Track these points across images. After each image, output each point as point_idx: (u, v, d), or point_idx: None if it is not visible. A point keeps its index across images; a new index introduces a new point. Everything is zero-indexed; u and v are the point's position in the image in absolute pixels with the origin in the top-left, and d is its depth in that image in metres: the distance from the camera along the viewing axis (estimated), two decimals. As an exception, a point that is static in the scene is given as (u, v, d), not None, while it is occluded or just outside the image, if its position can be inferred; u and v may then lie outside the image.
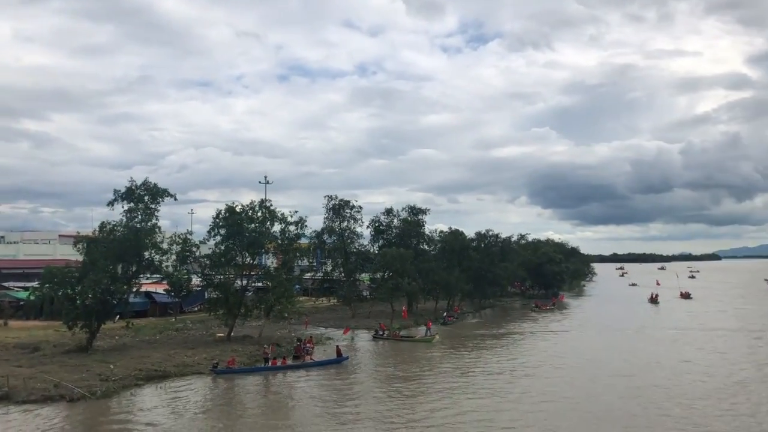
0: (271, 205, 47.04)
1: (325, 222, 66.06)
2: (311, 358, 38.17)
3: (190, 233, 47.97)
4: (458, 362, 39.06)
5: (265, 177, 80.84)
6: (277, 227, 47.14)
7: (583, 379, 33.26)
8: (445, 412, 26.23)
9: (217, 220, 45.61)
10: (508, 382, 32.74)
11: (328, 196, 66.12)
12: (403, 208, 71.21)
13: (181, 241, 44.39)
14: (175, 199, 42.32)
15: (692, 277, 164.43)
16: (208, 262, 46.76)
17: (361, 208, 66.69)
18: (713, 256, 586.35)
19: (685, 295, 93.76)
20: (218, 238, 45.99)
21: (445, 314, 61.90)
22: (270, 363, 36.49)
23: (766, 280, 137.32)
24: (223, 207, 46.13)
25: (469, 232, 78.44)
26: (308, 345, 39.73)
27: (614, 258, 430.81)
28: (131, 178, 40.70)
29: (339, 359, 38.19)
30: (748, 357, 40.01)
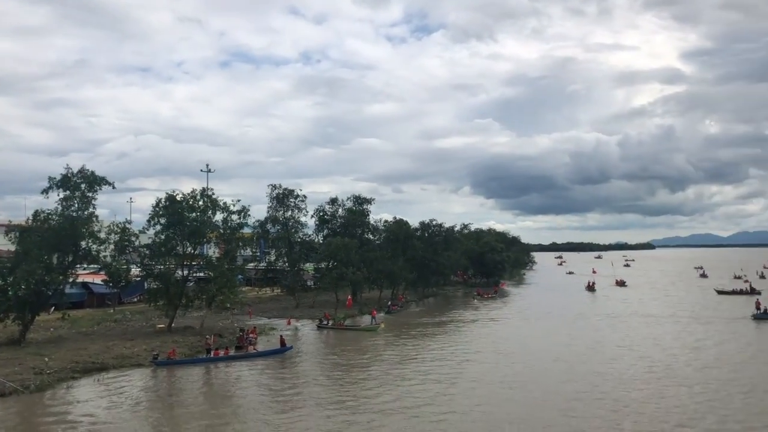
0: (213, 193, 46.38)
1: (268, 211, 65.70)
2: (254, 349, 37.97)
3: (129, 222, 46.70)
4: (402, 350, 39.61)
5: (207, 165, 79.18)
6: (219, 216, 46.52)
7: (523, 365, 34.22)
8: (386, 397, 26.67)
9: (157, 209, 44.66)
10: (450, 368, 33.37)
11: (271, 185, 65.79)
12: (348, 198, 71.53)
13: (119, 231, 43.29)
14: (114, 188, 41.31)
15: (627, 265, 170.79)
16: (147, 251, 45.76)
17: (305, 197, 66.57)
18: (647, 245, 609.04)
19: (621, 283, 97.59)
20: (158, 227, 45.05)
21: (389, 303, 62.46)
22: (212, 354, 36.11)
23: (696, 268, 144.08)
24: (163, 196, 45.25)
25: (414, 222, 79.43)
26: (251, 335, 39.51)
27: (553, 247, 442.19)
28: (67, 165, 39.45)
29: (282, 349, 38.12)
30: (677, 342, 41.92)
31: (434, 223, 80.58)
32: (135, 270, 47.71)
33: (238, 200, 47.59)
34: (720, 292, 78.54)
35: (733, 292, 77.81)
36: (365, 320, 52.35)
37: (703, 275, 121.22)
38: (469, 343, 42.03)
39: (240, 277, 56.50)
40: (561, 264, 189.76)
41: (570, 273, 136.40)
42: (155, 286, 45.42)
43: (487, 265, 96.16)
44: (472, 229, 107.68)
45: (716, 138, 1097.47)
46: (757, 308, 53.87)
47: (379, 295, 66.55)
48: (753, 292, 76.01)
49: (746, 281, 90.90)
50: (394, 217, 76.73)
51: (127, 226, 45.19)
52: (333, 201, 70.63)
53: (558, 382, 29.61)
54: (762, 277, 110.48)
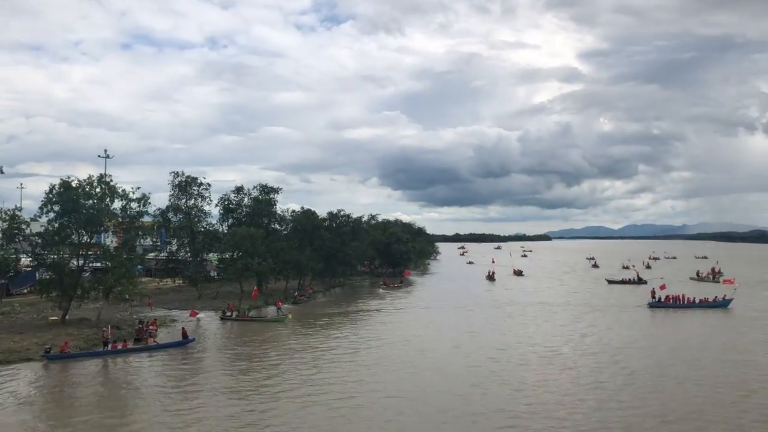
0: (112, 180, 44.52)
1: (170, 199, 63.74)
2: (154, 341, 36.95)
3: (19, 209, 44.01)
4: (307, 340, 39.76)
5: (105, 151, 76.03)
6: (117, 204, 44.68)
7: (424, 352, 35.25)
8: (286, 386, 26.88)
9: (51, 195, 42.24)
10: (353, 357, 33.94)
11: (174, 172, 63.90)
12: (254, 187, 70.40)
13: (8, 218, 40.87)
14: (2, 172, 38.87)
15: (524, 256, 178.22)
16: (39, 240, 43.34)
17: (209, 185, 65.08)
18: (544, 237, 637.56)
19: (518, 273, 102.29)
20: (51, 215, 42.69)
21: (296, 293, 62.28)
22: (110, 347, 34.83)
23: (588, 259, 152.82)
24: (57, 182, 42.86)
25: (322, 212, 79.55)
26: (151, 327, 38.42)
27: (457, 238, 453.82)
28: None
29: (184, 341, 37.31)
30: (569, 328, 44.48)
31: (342, 213, 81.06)
32: (25, 260, 45.16)
33: (138, 188, 45.89)
34: (610, 282, 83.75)
35: (623, 282, 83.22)
36: (271, 311, 52.01)
37: (595, 265, 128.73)
38: (373, 332, 42.80)
39: (139, 267, 54.64)
40: (463, 254, 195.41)
41: (470, 263, 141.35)
42: (48, 277, 43.15)
43: (393, 255, 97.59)
44: (380, 219, 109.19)
45: (609, 136, 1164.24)
46: (653, 297, 57.87)
47: (286, 285, 66.18)
48: (640, 281, 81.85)
49: (635, 270, 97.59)
50: (302, 207, 76.57)
51: (17, 213, 42.65)
52: (239, 190, 69.38)
53: (457, 368, 30.85)
54: (648, 267, 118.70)
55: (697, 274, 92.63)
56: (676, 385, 27.60)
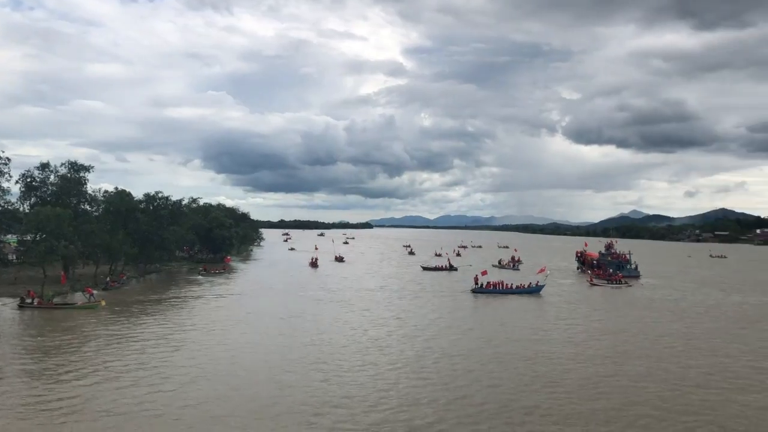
0: None
1: (-41, 174, 56.71)
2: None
3: None
4: (118, 328, 37.90)
5: None
6: None
7: (244, 339, 35.35)
8: (91, 380, 25.73)
9: None
10: (167, 346, 33.19)
11: (-35, 144, 56.87)
12: (63, 164, 64.88)
13: None
14: None
15: (346, 243, 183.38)
16: None
17: (8, 160, 58.84)
18: (367, 225, 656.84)
19: (339, 259, 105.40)
20: None
21: (108, 279, 58.77)
22: None
23: (404, 246, 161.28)
24: None
25: (138, 194, 75.82)
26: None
27: (282, 224, 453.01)
28: None
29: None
30: (387, 311, 46.96)
31: (160, 195, 77.59)
32: None
33: None
34: (425, 268, 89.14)
35: (436, 269, 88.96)
36: (78, 298, 48.74)
37: (411, 253, 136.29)
38: (188, 319, 41.93)
39: None
40: (286, 241, 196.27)
41: (291, 249, 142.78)
42: None
43: (214, 240, 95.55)
44: (201, 203, 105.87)
45: (429, 130, 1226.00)
46: (476, 283, 62.47)
47: (96, 270, 62.15)
48: (452, 268, 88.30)
49: (447, 257, 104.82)
50: (117, 188, 72.15)
51: None
52: (44, 166, 63.42)
53: (277, 355, 31.43)
54: (458, 255, 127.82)
55: (499, 262, 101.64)
56: (480, 365, 30.51)
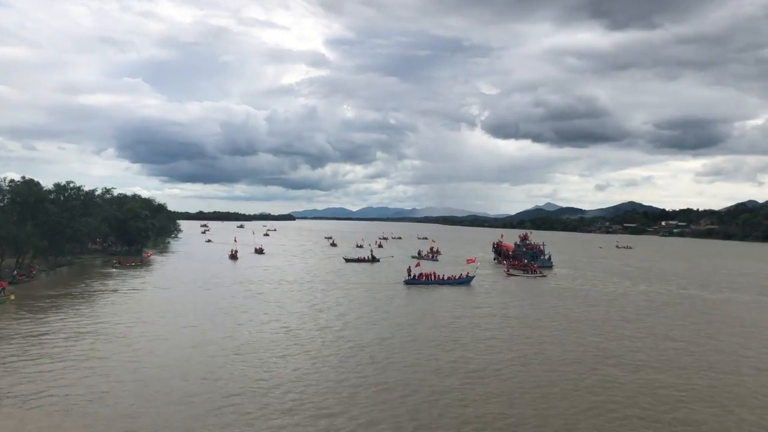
0: None
1: None
2: None
3: None
4: (28, 324, 36.64)
5: None
6: None
7: (157, 334, 35.01)
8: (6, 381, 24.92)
9: None
10: (77, 340, 32.47)
11: None
12: (-37, 152, 61.20)
13: None
14: None
15: (267, 235, 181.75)
16: None
17: None
18: (289, 217, 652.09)
19: (259, 251, 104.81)
20: None
21: (15, 273, 56.04)
22: None
23: (326, 238, 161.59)
24: None
25: (48, 183, 72.90)
26: None
27: (201, 216, 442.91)
28: None
29: None
30: (304, 306, 47.27)
31: (72, 185, 74.63)
32: None
33: None
34: (347, 260, 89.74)
35: (358, 260, 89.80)
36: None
37: (333, 244, 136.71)
38: (102, 314, 41.01)
39: None
40: (204, 233, 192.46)
41: (208, 241, 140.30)
42: None
43: (130, 232, 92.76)
44: (116, 194, 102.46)
45: (352, 122, 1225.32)
46: (408, 274, 63.49)
47: (0, 263, 59.06)
48: (374, 260, 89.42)
49: (370, 248, 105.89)
50: (23, 177, 68.68)
51: None
52: (-59, 154, 59.77)
53: (191, 350, 31.24)
54: (380, 246, 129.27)
55: (419, 253, 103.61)
56: (403, 356, 31.49)
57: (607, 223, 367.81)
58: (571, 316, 44.22)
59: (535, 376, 26.97)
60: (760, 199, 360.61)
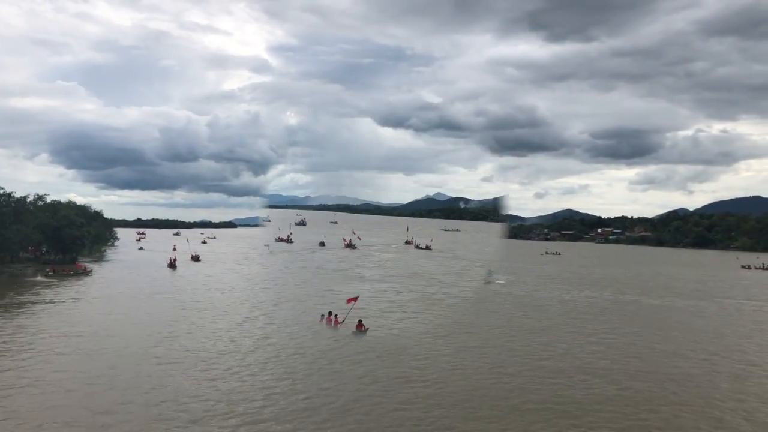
0: None
1: None
2: None
3: None
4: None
5: None
6: None
7: (91, 347, 35.00)
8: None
9: None
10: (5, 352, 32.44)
11: None
12: None
13: None
14: None
15: (205, 242, 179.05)
16: None
17: None
18: (230, 224, 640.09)
19: (195, 258, 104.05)
20: None
21: (-61, 283, 54.68)
22: None
23: (265, 246, 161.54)
24: None
25: (-24, 190, 70.47)
26: None
27: (138, 223, 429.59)
28: None
29: None
30: (241, 311, 48.11)
31: (1, 191, 72.94)
32: None
33: None
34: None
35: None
36: None
37: (272, 253, 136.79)
38: (32, 325, 40.79)
39: None
40: (139, 240, 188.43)
41: (141, 249, 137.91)
42: None
43: (64, 240, 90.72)
44: (49, 200, 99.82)
45: (295, 129, 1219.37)
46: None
47: (-75, 273, 57.53)
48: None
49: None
50: (-51, 184, 66.90)
51: None
52: None
53: (127, 358, 31.93)
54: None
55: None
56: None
57: (546, 230, 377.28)
58: (518, 321, 47.50)
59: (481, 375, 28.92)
60: (690, 207, 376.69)
